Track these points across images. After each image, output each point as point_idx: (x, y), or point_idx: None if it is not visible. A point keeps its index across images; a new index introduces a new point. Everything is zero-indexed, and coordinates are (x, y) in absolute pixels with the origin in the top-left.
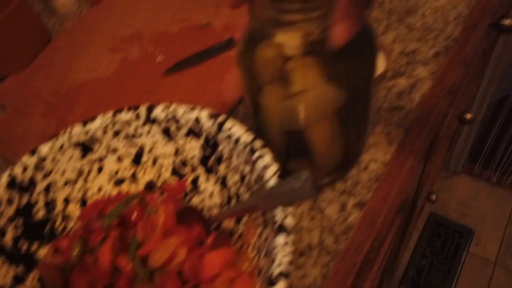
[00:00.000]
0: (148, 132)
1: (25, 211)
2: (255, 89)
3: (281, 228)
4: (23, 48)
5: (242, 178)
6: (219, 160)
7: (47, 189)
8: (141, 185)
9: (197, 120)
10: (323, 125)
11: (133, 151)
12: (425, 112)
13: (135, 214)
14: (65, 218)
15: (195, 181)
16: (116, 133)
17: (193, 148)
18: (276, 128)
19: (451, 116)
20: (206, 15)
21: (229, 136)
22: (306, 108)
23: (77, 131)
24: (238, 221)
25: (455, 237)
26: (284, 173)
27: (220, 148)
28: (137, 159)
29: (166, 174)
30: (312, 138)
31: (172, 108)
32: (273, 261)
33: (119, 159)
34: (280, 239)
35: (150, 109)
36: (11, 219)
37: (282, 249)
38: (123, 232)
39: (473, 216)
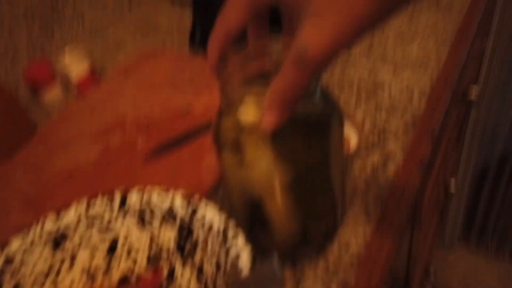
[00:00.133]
0: (123, 221)
1: None
2: (219, 160)
3: None
4: (6, 141)
5: (218, 266)
6: (194, 247)
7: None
8: (115, 277)
9: (171, 206)
10: (277, 198)
11: (107, 241)
12: (400, 185)
13: None
14: None
15: (171, 272)
16: (90, 224)
17: (168, 235)
18: (236, 196)
19: (433, 187)
20: (186, 100)
21: (203, 222)
22: (253, 180)
23: (49, 224)
24: None
25: None
26: (249, 243)
27: (195, 234)
28: (111, 250)
29: (141, 264)
30: (267, 210)
31: (146, 193)
32: None
33: (93, 251)
34: None
35: (124, 196)
36: None
37: None
38: None
39: None
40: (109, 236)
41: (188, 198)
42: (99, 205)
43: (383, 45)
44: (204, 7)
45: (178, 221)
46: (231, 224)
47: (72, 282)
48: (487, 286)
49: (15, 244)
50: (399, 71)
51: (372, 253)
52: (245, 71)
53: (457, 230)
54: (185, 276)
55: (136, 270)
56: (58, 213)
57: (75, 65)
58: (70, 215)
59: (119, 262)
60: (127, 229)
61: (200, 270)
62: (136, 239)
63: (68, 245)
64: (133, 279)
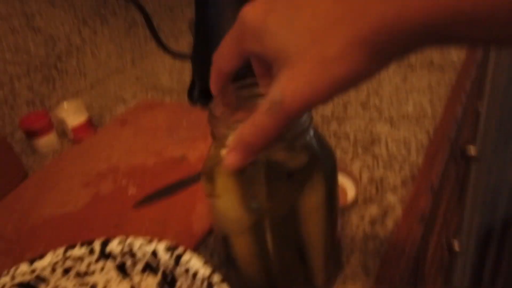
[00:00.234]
0: (102, 269)
1: None
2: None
3: None
4: None
5: None
6: None
7: None
8: None
9: (154, 254)
10: (239, 237)
11: None
12: (401, 240)
13: None
14: None
15: None
16: (66, 271)
17: (150, 285)
18: (216, 229)
19: (436, 244)
20: (182, 148)
21: (187, 270)
22: (220, 213)
23: (22, 270)
24: None
25: None
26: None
27: (178, 284)
28: None
29: None
30: (233, 248)
31: (128, 241)
32: None
33: None
34: None
35: (105, 243)
36: None
37: None
38: None
39: None
40: (86, 286)
41: (172, 247)
42: (78, 253)
43: (379, 101)
44: (202, 63)
45: (161, 270)
46: (216, 271)
47: None
48: None
49: None
50: (396, 124)
51: None
52: (234, 111)
53: None
54: None
55: None
56: (33, 260)
57: (72, 117)
58: (45, 262)
59: None
60: (106, 277)
61: None
62: None
63: None
64: None
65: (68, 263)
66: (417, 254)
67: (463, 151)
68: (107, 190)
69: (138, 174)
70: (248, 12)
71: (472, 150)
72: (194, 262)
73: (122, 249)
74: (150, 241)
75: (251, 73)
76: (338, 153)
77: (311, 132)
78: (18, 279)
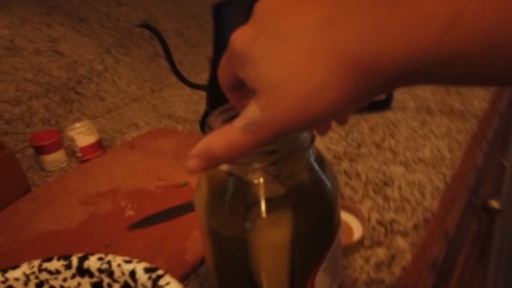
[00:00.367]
0: (77, 286)
1: None
2: None
3: None
4: None
5: None
6: None
7: None
8: None
9: (132, 273)
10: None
11: None
12: (409, 286)
13: None
14: None
15: None
16: (39, 285)
17: None
18: None
19: None
20: (185, 176)
21: None
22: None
23: None
24: None
25: None
26: None
27: None
28: None
29: None
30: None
31: (108, 258)
32: None
33: None
34: None
35: (83, 258)
36: None
37: None
38: None
39: None
40: None
41: (151, 268)
42: (54, 266)
43: (394, 143)
44: (216, 94)
45: None
46: None
47: None
48: None
49: None
50: (411, 167)
51: None
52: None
53: None
54: None
55: None
56: (4, 270)
57: (82, 137)
58: (19, 273)
59: None
60: None
61: None
62: None
63: None
64: None
65: (43, 275)
66: None
67: (485, 204)
68: (104, 210)
69: (138, 197)
70: (236, 38)
71: (495, 204)
72: (173, 286)
73: (100, 266)
74: (130, 261)
75: None
76: (348, 192)
77: (312, 156)
78: None
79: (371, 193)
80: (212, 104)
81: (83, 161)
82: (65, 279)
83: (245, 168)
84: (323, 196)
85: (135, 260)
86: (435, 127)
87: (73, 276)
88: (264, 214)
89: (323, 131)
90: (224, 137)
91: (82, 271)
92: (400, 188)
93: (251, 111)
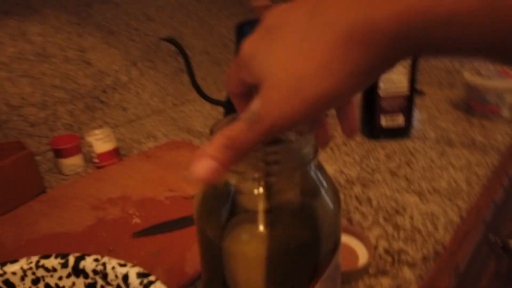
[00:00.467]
0: (72, 286)
1: None
2: None
3: None
4: (13, 195)
5: None
6: None
7: None
8: None
9: (125, 277)
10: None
11: None
12: None
13: None
14: None
15: None
16: (35, 281)
17: None
18: None
19: None
20: (196, 188)
21: None
22: None
23: None
24: None
25: None
26: None
27: None
28: None
29: None
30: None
31: (103, 260)
32: None
33: None
34: None
35: (79, 258)
36: None
37: None
38: None
39: None
40: None
41: (144, 273)
42: (51, 263)
43: (410, 171)
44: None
45: None
46: None
47: None
48: None
49: None
50: (425, 197)
51: None
52: None
53: None
54: None
55: None
56: (3, 264)
57: (100, 144)
58: (17, 267)
59: None
60: None
61: None
62: None
63: None
64: None
65: (39, 272)
66: None
67: (505, 244)
68: (113, 216)
69: (147, 206)
70: (244, 46)
71: None
72: None
73: (95, 267)
74: (124, 264)
75: None
76: (357, 217)
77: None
78: None
79: (381, 220)
80: None
81: (99, 167)
82: (60, 278)
83: (240, 177)
84: (315, 217)
85: (129, 264)
86: (454, 158)
87: (68, 275)
88: (240, 225)
89: (324, 142)
90: (228, 129)
91: (78, 271)
92: (412, 217)
93: (253, 104)
